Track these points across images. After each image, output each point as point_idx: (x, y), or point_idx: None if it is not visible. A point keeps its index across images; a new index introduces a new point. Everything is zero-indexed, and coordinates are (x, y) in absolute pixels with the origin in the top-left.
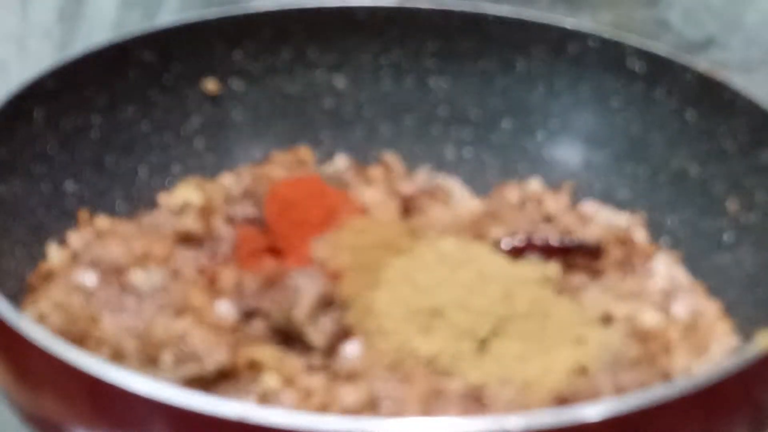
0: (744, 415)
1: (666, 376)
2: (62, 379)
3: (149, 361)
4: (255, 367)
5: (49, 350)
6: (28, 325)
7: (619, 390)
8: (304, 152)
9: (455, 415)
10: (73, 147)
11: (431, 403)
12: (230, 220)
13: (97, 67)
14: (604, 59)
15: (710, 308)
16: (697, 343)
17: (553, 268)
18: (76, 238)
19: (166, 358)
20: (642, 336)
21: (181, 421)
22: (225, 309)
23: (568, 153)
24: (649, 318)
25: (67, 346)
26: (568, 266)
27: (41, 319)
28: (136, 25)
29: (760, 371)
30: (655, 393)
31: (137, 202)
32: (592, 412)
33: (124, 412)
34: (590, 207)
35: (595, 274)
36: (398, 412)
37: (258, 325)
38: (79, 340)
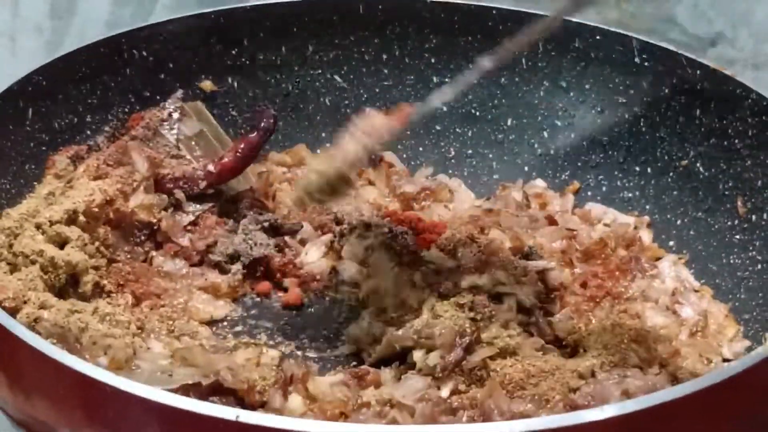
0: (750, 417)
1: (675, 381)
2: (56, 382)
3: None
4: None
5: (43, 354)
6: (21, 329)
7: (628, 395)
8: (303, 152)
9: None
10: (66, 146)
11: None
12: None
13: (90, 65)
14: (610, 55)
15: (719, 311)
16: (706, 346)
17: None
18: None
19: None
20: (651, 339)
21: (175, 424)
22: None
23: (574, 152)
24: (657, 320)
25: (61, 350)
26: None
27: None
28: (130, 21)
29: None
30: (659, 397)
31: None
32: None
33: (119, 415)
34: (596, 208)
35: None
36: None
37: None
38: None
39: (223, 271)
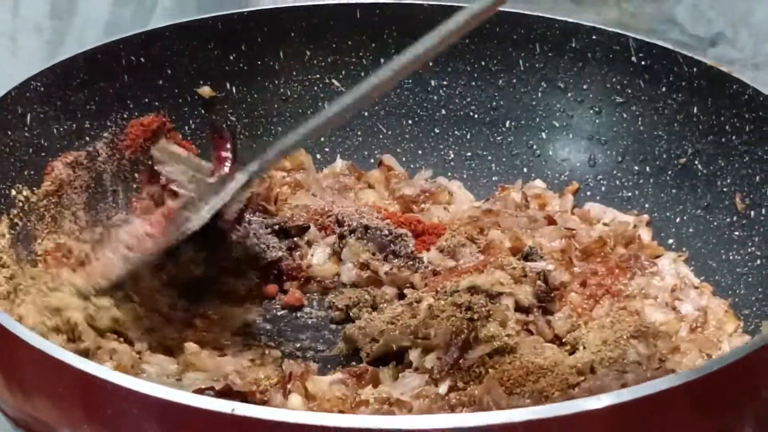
0: (747, 407)
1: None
2: (55, 380)
3: None
4: None
5: (42, 352)
6: (20, 328)
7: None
8: (303, 156)
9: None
10: (65, 152)
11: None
12: None
13: (88, 71)
14: (607, 55)
15: (718, 306)
16: (705, 341)
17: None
18: None
19: None
20: (650, 335)
21: (173, 419)
22: None
23: (572, 152)
24: (657, 317)
25: (61, 348)
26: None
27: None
28: (130, 21)
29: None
30: (656, 385)
31: None
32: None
33: (118, 412)
34: (595, 208)
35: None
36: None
37: None
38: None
39: (240, 276)
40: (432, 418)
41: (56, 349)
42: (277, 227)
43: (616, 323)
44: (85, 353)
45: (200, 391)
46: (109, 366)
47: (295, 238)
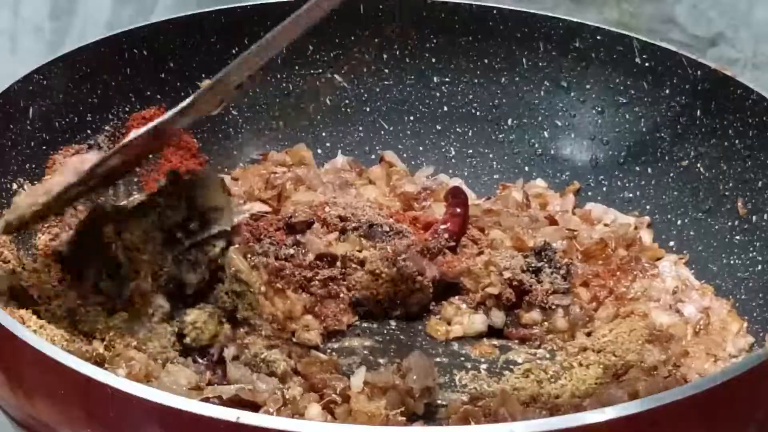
0: (752, 419)
1: (685, 382)
2: (57, 382)
3: None
4: None
5: (44, 354)
6: (22, 329)
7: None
8: (303, 152)
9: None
10: (66, 145)
11: None
12: None
13: (90, 64)
14: (610, 55)
15: (721, 306)
16: (711, 343)
17: None
18: None
19: None
20: (663, 339)
21: (176, 425)
22: None
23: (574, 152)
24: (663, 320)
25: (62, 350)
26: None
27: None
28: (130, 21)
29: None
30: (661, 398)
31: None
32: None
33: (119, 415)
34: (596, 208)
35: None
36: None
37: None
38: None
39: None
40: (431, 430)
41: (57, 351)
42: (282, 223)
43: (633, 331)
44: (101, 359)
45: (206, 399)
46: (122, 373)
47: (298, 235)
